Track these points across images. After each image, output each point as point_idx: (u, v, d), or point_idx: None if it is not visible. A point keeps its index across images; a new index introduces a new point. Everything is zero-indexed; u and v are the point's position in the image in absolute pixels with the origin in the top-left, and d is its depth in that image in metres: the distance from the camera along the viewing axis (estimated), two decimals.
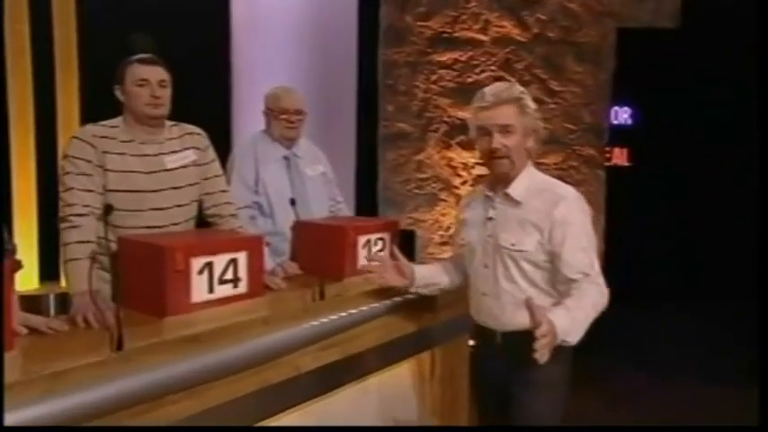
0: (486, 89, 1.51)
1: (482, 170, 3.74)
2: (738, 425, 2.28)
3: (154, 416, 1.13)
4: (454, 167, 3.78)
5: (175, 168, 1.69)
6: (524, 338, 1.34)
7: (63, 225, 1.50)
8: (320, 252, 1.82)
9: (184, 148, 1.72)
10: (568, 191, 1.51)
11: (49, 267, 3.22)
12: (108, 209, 1.36)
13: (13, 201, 3.33)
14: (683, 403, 3.00)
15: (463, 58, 3.72)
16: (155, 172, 1.65)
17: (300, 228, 1.92)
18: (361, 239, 1.87)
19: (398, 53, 3.72)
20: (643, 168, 5.02)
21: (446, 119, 3.75)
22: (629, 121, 5.15)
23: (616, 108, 4.96)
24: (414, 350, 1.83)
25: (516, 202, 1.51)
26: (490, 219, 1.55)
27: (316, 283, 1.59)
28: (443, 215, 3.78)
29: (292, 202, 1.86)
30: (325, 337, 1.53)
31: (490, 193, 1.56)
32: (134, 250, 1.47)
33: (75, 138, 1.59)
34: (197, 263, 1.42)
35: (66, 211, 1.51)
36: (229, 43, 3.63)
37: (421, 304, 1.82)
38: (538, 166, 3.58)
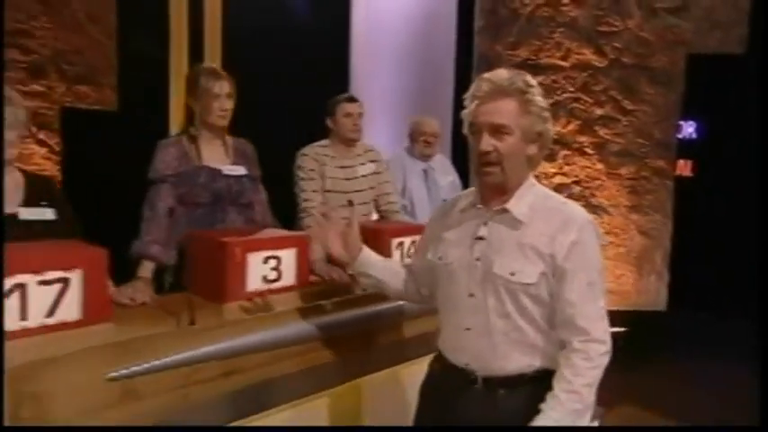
0: (486, 75, 1.24)
1: (561, 178, 4.27)
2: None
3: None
4: (536, 177, 4.32)
5: (364, 175, 2.34)
6: (508, 387, 1.22)
7: (302, 215, 2.17)
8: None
9: (369, 160, 2.37)
10: (580, 212, 1.26)
11: None
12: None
13: None
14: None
15: (546, 82, 4.26)
16: (352, 178, 2.31)
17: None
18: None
19: None
20: (706, 179, 5.40)
21: None
22: (694, 135, 5.55)
23: (681, 122, 5.37)
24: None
25: (517, 222, 1.23)
26: (480, 239, 1.26)
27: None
28: None
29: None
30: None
31: (481, 207, 1.28)
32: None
33: (304, 154, 2.26)
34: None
35: (304, 205, 2.18)
36: (348, 62, 4.29)
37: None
38: (611, 176, 4.16)
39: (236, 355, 1.36)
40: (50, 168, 3.34)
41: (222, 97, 1.92)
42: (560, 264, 1.19)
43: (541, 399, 1.19)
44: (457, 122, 4.41)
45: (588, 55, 4.21)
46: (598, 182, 4.23)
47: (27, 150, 3.37)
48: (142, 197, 1.86)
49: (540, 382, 1.22)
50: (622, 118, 4.18)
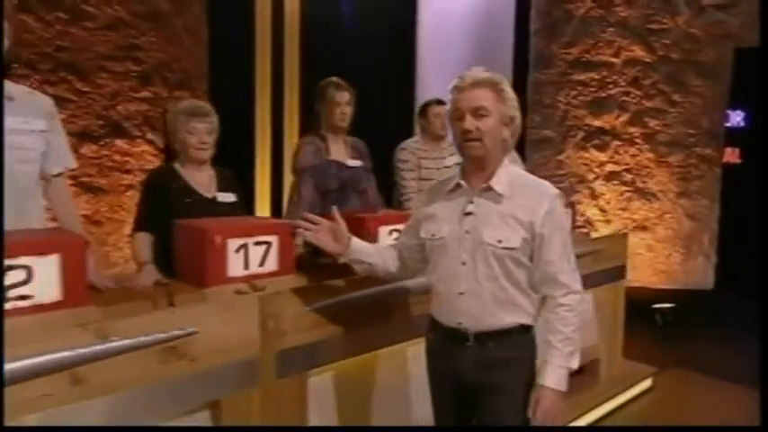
0: (466, 72, 1.44)
1: (612, 166, 4.61)
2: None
3: None
4: (588, 165, 4.68)
5: (447, 166, 2.79)
6: (496, 340, 1.43)
7: (403, 198, 2.65)
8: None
9: (453, 153, 2.83)
10: (550, 187, 1.46)
11: None
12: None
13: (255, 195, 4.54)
14: None
15: (598, 77, 4.60)
16: (441, 168, 2.76)
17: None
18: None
19: (545, 74, 4.68)
20: (753, 165, 5.59)
21: (583, 126, 4.66)
22: (742, 124, 5.74)
23: (729, 111, 5.57)
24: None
25: (499, 196, 1.42)
26: (469, 214, 1.44)
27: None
28: (578, 203, 4.69)
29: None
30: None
31: (465, 186, 1.46)
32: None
33: (402, 149, 2.73)
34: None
35: (404, 191, 2.65)
36: (415, 64, 4.71)
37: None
38: (660, 164, 4.53)
39: None
40: (155, 163, 3.84)
41: (343, 104, 2.40)
42: (538, 230, 1.41)
43: (523, 348, 1.46)
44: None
45: (638, 51, 4.52)
46: (647, 170, 4.55)
47: (138, 148, 3.94)
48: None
49: (522, 335, 1.46)
50: (671, 109, 4.48)
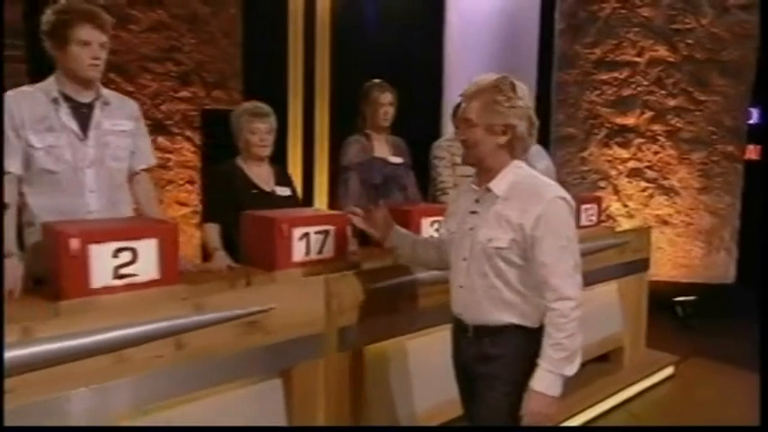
0: (472, 81, 1.51)
1: (635, 163, 4.73)
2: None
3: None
4: (611, 162, 4.81)
5: None
6: (491, 336, 1.49)
7: (438, 193, 2.83)
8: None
9: None
10: (551, 191, 1.47)
11: None
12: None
13: None
14: None
15: (621, 76, 4.71)
16: None
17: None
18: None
19: (569, 74, 4.81)
20: None
21: (606, 124, 4.78)
22: (763, 122, 5.80)
23: (751, 109, 5.65)
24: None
25: (496, 197, 1.49)
26: (473, 212, 1.54)
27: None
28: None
29: None
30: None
31: (476, 188, 1.55)
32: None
33: (439, 146, 2.91)
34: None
35: (441, 186, 2.83)
36: (442, 57, 4.85)
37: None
38: (682, 161, 4.58)
39: None
40: (193, 159, 4.06)
41: (386, 105, 2.59)
42: (529, 233, 1.42)
43: (517, 347, 1.49)
44: (538, 118, 4.81)
45: (661, 51, 4.63)
46: (670, 166, 4.66)
47: (177, 145, 4.16)
48: None
49: (515, 334, 1.50)
50: (694, 108, 4.58)
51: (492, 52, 4.82)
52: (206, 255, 2.22)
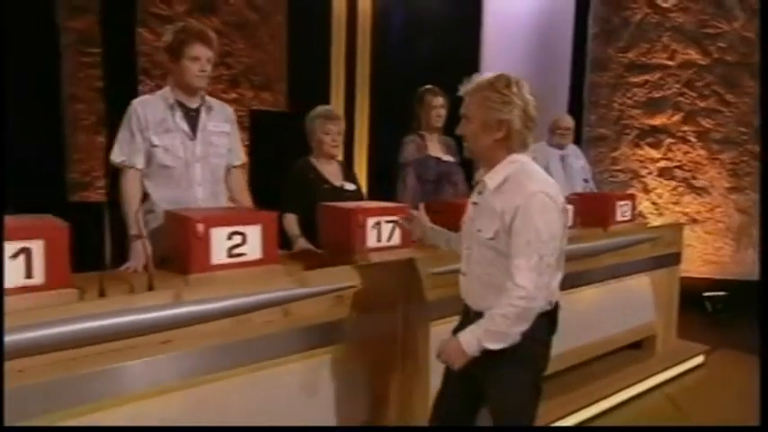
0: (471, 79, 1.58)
1: (665, 163, 4.90)
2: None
3: None
4: (642, 161, 4.98)
5: None
6: None
7: None
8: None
9: None
10: (535, 186, 1.50)
11: None
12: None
13: None
14: None
15: (653, 79, 4.88)
16: None
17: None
18: (370, 221, 2.13)
19: (601, 77, 5.00)
20: None
21: (637, 125, 4.96)
22: None
23: None
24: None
25: (488, 190, 1.56)
26: (475, 204, 1.63)
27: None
28: None
29: None
30: None
31: (479, 180, 1.63)
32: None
33: None
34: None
35: None
36: (479, 59, 5.06)
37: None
38: (712, 161, 4.71)
39: None
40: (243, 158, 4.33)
41: (438, 107, 2.84)
42: (508, 224, 1.48)
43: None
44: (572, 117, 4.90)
45: (693, 54, 4.79)
46: (700, 166, 4.82)
47: None
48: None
49: None
50: (724, 109, 4.73)
51: (527, 55, 5.03)
52: (284, 241, 2.49)
